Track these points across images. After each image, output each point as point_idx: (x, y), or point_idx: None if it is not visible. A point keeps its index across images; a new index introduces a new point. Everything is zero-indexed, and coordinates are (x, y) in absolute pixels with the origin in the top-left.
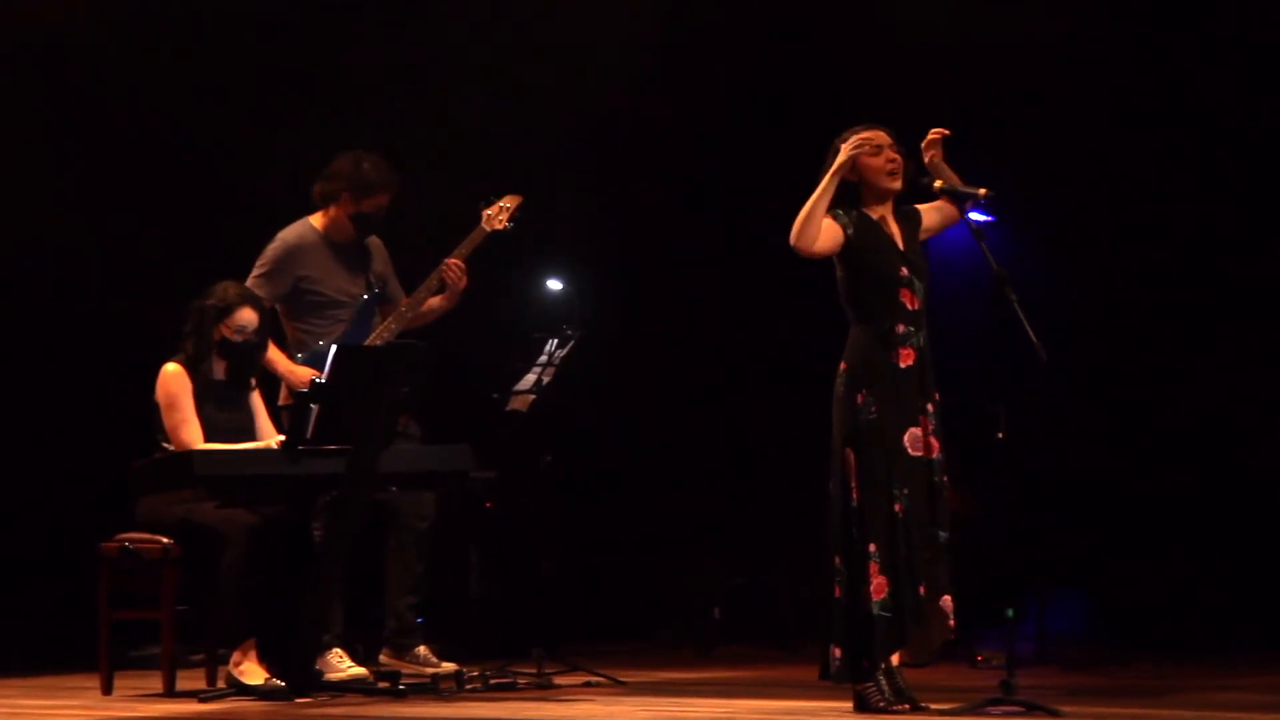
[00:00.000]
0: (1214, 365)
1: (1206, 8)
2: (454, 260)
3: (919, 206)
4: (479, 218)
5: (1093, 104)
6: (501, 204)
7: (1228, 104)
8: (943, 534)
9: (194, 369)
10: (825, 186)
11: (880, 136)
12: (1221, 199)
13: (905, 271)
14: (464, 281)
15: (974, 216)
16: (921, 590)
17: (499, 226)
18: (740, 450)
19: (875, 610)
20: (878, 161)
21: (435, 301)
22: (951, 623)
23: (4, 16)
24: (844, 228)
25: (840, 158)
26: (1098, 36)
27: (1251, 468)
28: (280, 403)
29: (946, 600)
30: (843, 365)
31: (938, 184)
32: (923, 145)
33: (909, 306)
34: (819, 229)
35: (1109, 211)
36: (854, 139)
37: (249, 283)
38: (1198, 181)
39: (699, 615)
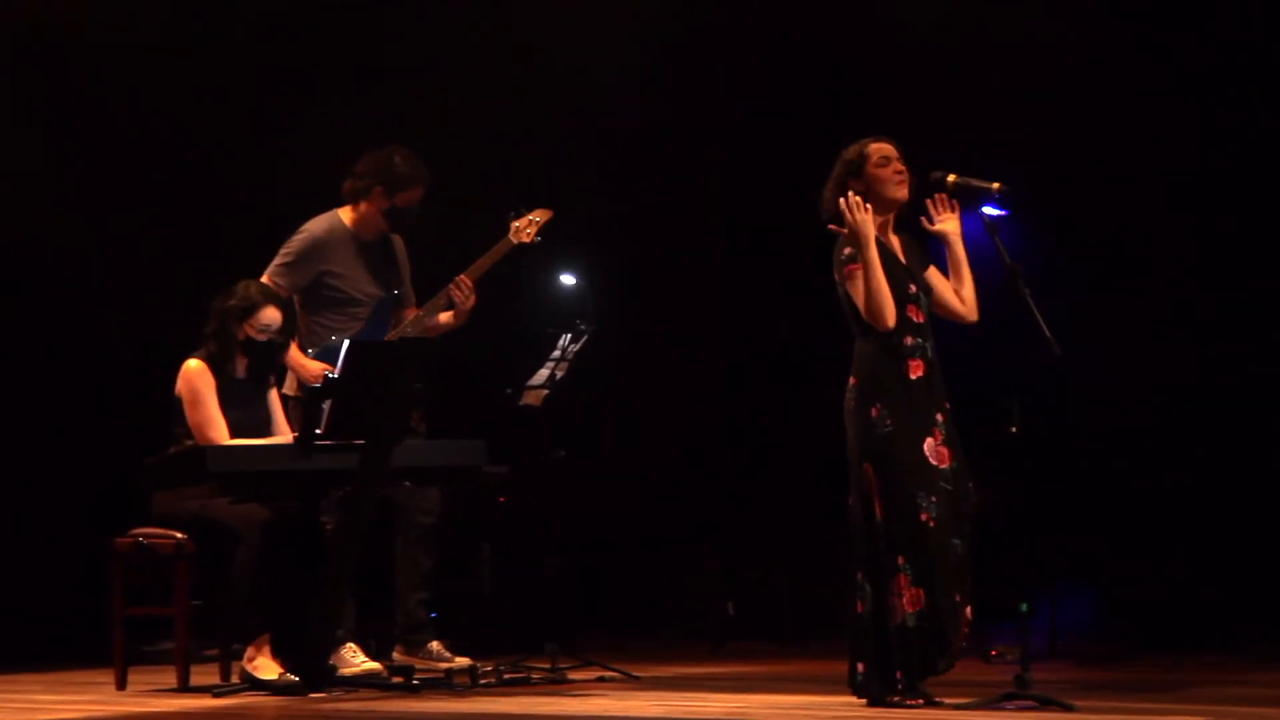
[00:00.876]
0: (1227, 359)
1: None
2: (463, 279)
3: (934, 269)
4: (506, 229)
5: (1105, 99)
6: (531, 217)
7: (1240, 98)
8: (958, 542)
9: (217, 367)
10: (871, 261)
11: (888, 149)
12: (1232, 197)
13: (913, 288)
14: (471, 300)
15: (988, 211)
16: (957, 598)
17: (525, 240)
18: (753, 444)
19: (911, 622)
20: (885, 172)
21: (444, 317)
22: (966, 629)
23: (7, 16)
24: None
25: (855, 235)
26: (1109, 32)
27: (1268, 462)
28: (284, 391)
29: (969, 608)
30: (852, 380)
31: (951, 178)
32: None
33: (915, 320)
34: (890, 300)
35: (1122, 208)
36: (851, 200)
37: (271, 270)
38: (1208, 179)
39: (712, 610)
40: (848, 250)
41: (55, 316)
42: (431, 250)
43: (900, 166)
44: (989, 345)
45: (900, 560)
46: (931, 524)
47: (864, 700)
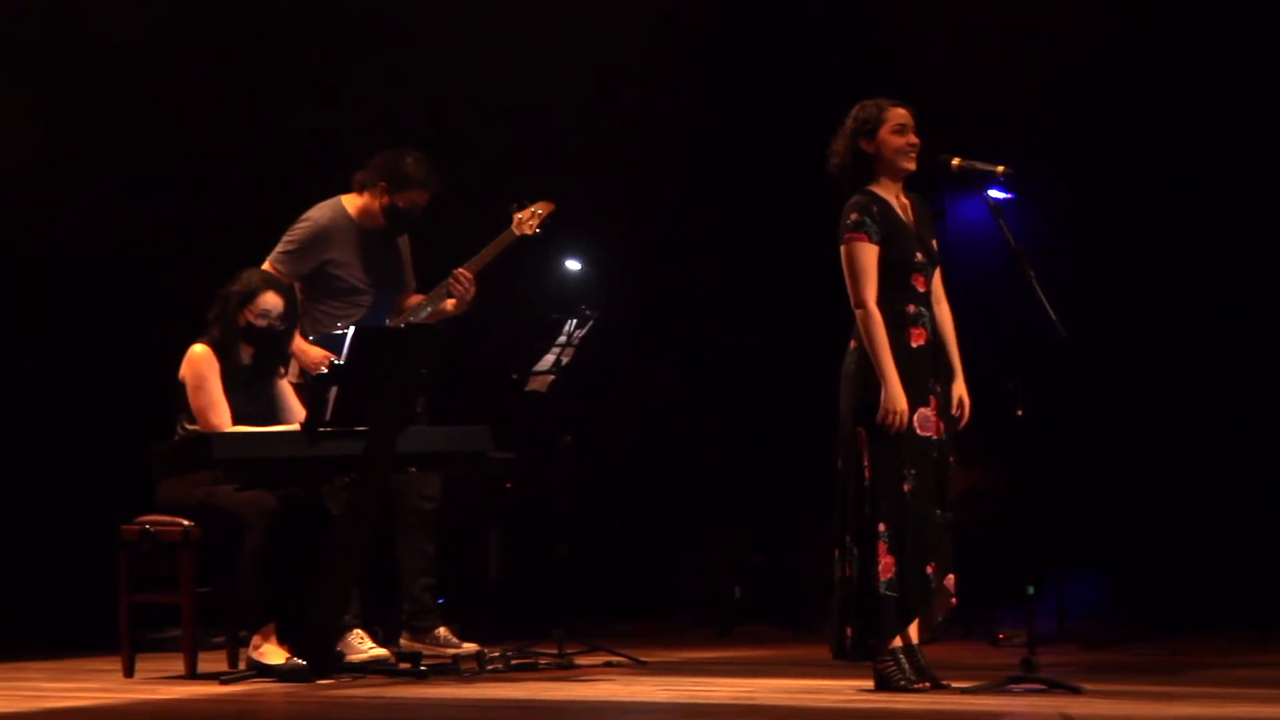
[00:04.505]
0: (1234, 343)
1: None
2: (462, 272)
3: None
4: (509, 220)
5: (1110, 80)
6: (534, 209)
7: (1242, 87)
8: (947, 514)
9: (221, 353)
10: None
11: (906, 116)
12: (1242, 180)
13: (920, 256)
14: (472, 293)
15: (993, 194)
16: (930, 570)
17: (528, 232)
18: (760, 428)
19: (882, 590)
20: (900, 142)
21: (447, 304)
22: (954, 600)
23: (26, 11)
24: (872, 237)
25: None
26: (1120, 16)
27: (1275, 444)
28: (289, 379)
29: (951, 579)
30: (853, 344)
31: (955, 161)
32: None
33: (919, 289)
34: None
35: (1128, 190)
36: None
37: (273, 256)
38: (1218, 161)
39: (720, 595)
40: (853, 217)
41: (62, 304)
42: (435, 240)
43: (915, 139)
44: (994, 327)
45: (881, 527)
46: (910, 494)
47: (849, 663)
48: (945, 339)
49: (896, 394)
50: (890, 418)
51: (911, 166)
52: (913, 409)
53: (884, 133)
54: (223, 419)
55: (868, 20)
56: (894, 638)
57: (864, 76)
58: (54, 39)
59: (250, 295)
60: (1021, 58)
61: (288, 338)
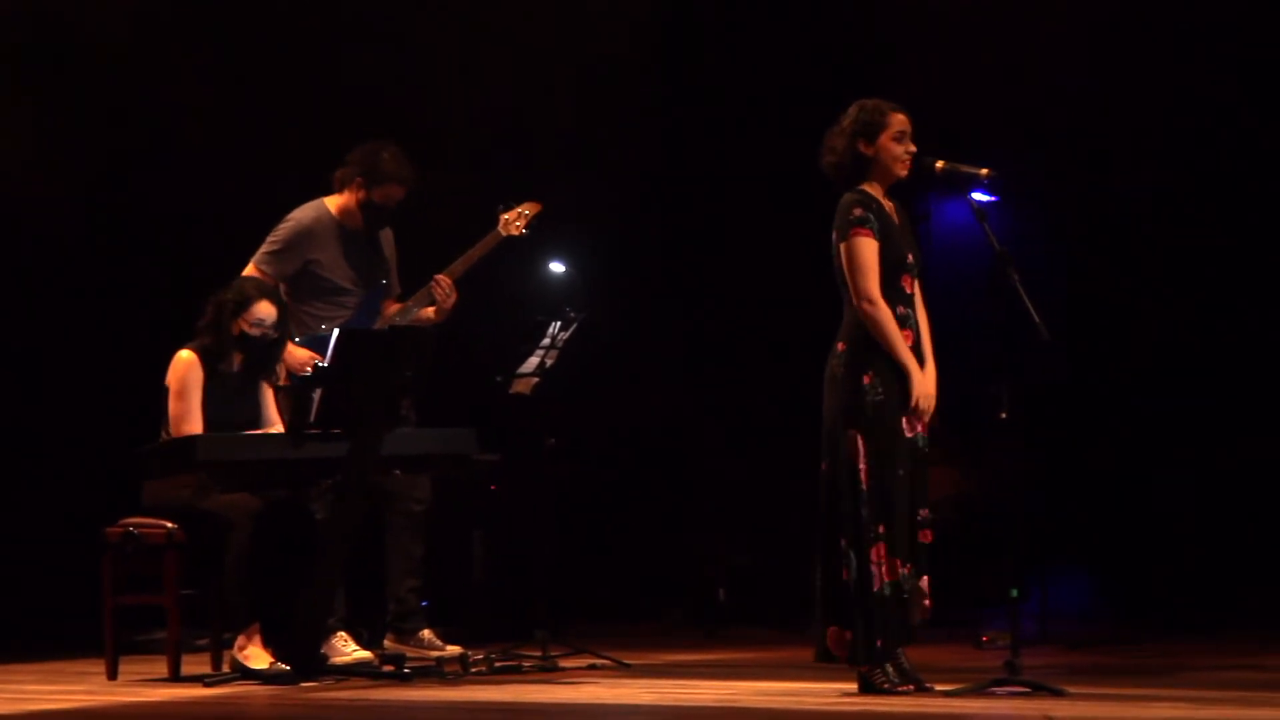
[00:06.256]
0: (1217, 342)
1: None
2: (442, 277)
3: None
4: (496, 221)
5: (1096, 84)
6: (521, 210)
7: (1230, 88)
8: (923, 512)
9: (209, 360)
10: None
11: (907, 123)
12: (1225, 180)
13: (910, 258)
14: (453, 299)
15: (977, 197)
16: (907, 570)
17: (514, 232)
18: (747, 431)
19: (887, 591)
20: (898, 149)
21: (428, 312)
22: (928, 602)
23: (23, 12)
24: (875, 233)
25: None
26: (1110, 19)
27: (1259, 444)
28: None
29: (925, 580)
30: (840, 345)
31: (939, 164)
32: None
33: (907, 290)
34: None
35: (1111, 190)
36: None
37: (257, 257)
38: (1200, 162)
39: (704, 596)
40: (857, 212)
41: (51, 305)
42: (423, 241)
43: (912, 146)
44: (978, 330)
45: (880, 529)
46: (900, 495)
47: (864, 668)
48: (922, 342)
49: (920, 380)
50: (923, 401)
51: (905, 173)
52: (901, 410)
53: (884, 138)
54: (195, 428)
55: (866, 20)
56: (900, 641)
57: (863, 77)
58: (52, 40)
59: (244, 304)
60: (1020, 58)
61: (280, 346)
